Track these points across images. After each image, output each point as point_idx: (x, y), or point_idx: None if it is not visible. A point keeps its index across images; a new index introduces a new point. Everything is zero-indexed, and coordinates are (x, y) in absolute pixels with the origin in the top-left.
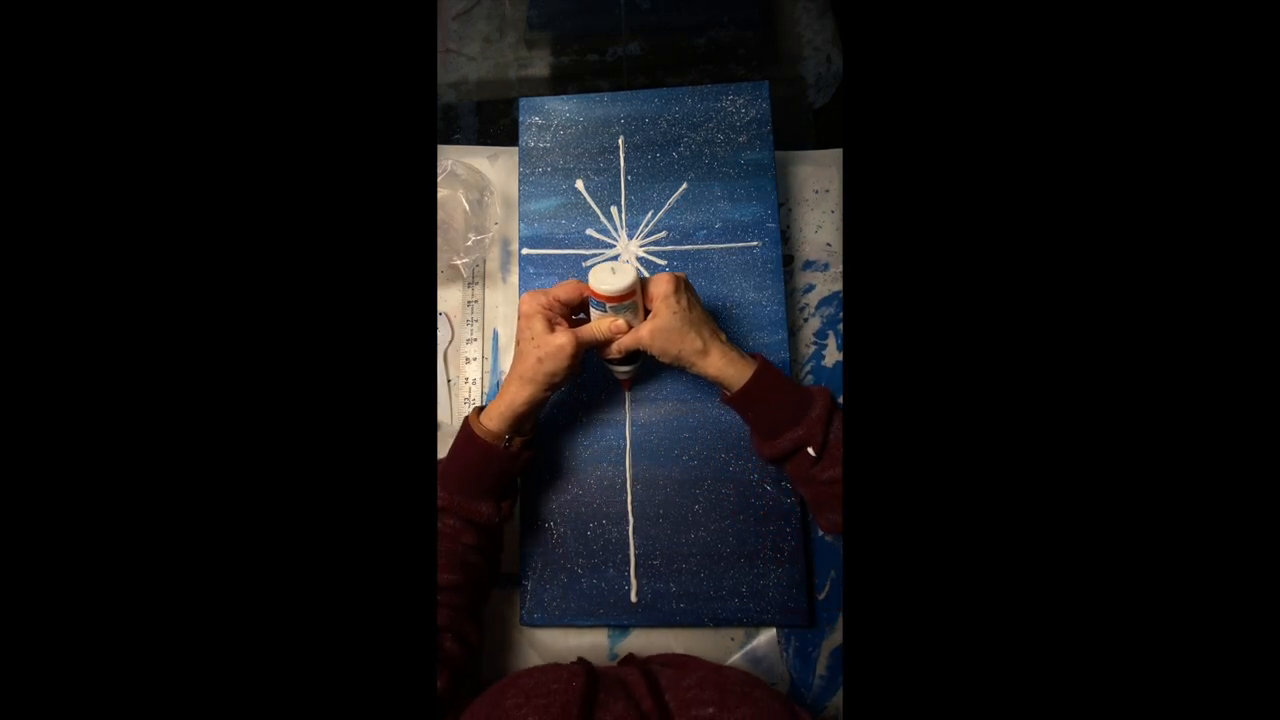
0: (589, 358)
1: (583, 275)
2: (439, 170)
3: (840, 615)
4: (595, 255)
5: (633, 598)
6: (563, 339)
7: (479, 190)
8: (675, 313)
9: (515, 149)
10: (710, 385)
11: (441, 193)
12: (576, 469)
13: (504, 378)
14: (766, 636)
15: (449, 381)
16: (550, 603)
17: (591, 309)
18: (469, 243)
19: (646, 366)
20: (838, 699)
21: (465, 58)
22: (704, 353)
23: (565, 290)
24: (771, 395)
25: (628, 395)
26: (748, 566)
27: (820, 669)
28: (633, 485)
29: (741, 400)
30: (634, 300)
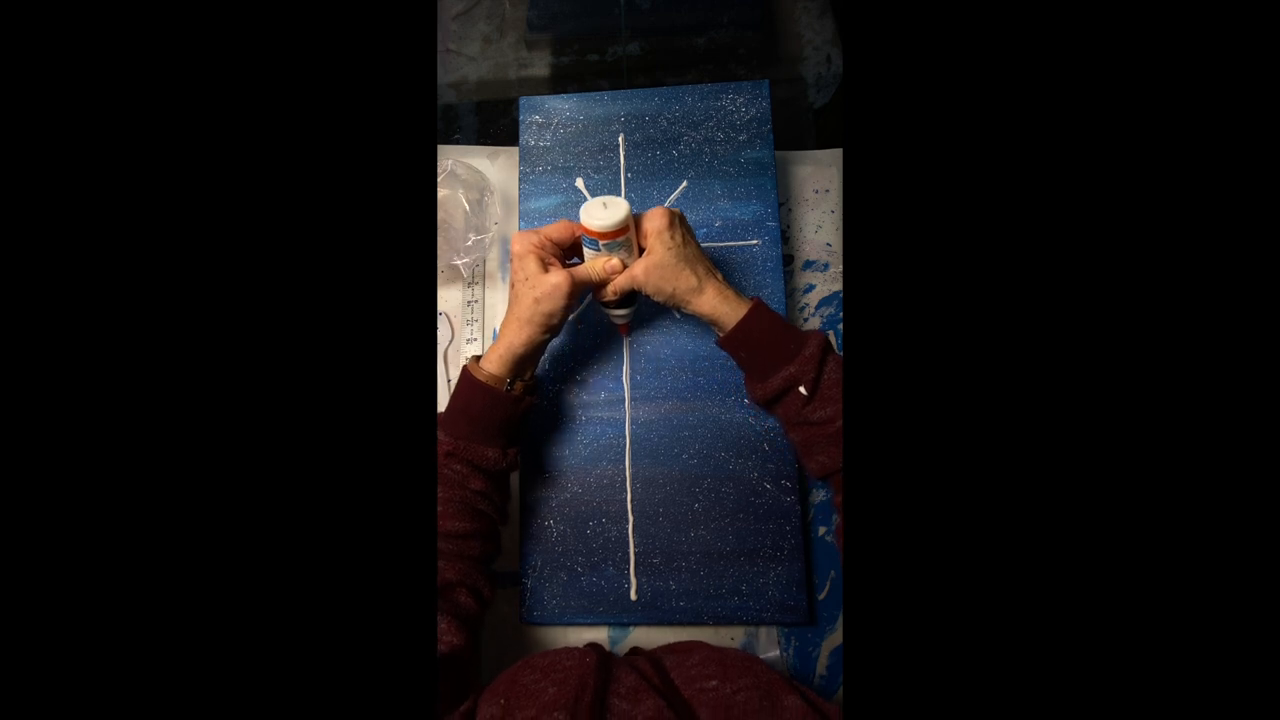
0: (591, 331)
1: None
2: (439, 170)
3: (840, 615)
4: (595, 255)
5: (632, 596)
6: (558, 278)
7: (479, 190)
8: (670, 249)
9: (515, 149)
10: (710, 384)
11: (441, 193)
12: (576, 467)
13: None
14: (766, 636)
15: (449, 382)
16: (550, 601)
17: (585, 249)
18: (469, 243)
19: (646, 358)
20: (838, 699)
21: (465, 58)
22: (699, 290)
23: (557, 229)
24: (765, 334)
25: (628, 394)
26: (747, 565)
27: (820, 669)
28: (632, 483)
29: (735, 338)
30: (628, 236)
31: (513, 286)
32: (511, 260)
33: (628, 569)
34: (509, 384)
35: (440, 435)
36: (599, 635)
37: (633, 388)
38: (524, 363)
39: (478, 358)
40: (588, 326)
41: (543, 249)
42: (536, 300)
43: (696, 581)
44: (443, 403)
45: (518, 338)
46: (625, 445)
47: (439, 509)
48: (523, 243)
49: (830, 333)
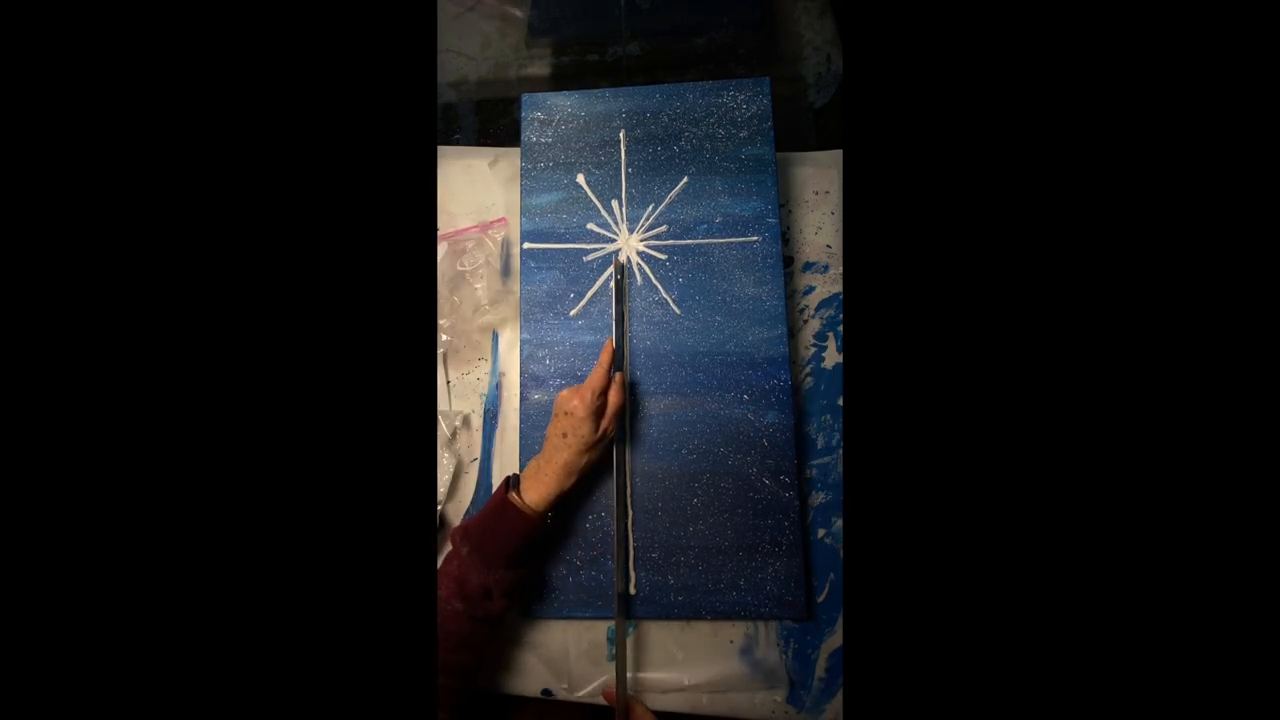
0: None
1: (584, 270)
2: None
3: (839, 617)
4: (596, 250)
5: (631, 590)
6: (604, 431)
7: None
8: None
9: (515, 150)
10: (709, 380)
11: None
12: None
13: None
14: (765, 638)
15: (449, 383)
16: (548, 595)
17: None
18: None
19: (646, 354)
20: (838, 700)
21: (465, 58)
22: None
23: (601, 379)
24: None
25: (627, 390)
26: (746, 560)
27: (820, 670)
28: (632, 478)
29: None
30: None
31: (563, 436)
32: (563, 417)
33: (627, 563)
34: (547, 515)
35: (475, 561)
36: (597, 634)
37: (632, 383)
38: (565, 495)
39: (516, 479)
40: (587, 322)
41: (596, 406)
42: (584, 451)
43: (695, 576)
44: (443, 407)
45: (568, 482)
46: (625, 439)
47: (449, 641)
48: (585, 406)
49: (830, 334)
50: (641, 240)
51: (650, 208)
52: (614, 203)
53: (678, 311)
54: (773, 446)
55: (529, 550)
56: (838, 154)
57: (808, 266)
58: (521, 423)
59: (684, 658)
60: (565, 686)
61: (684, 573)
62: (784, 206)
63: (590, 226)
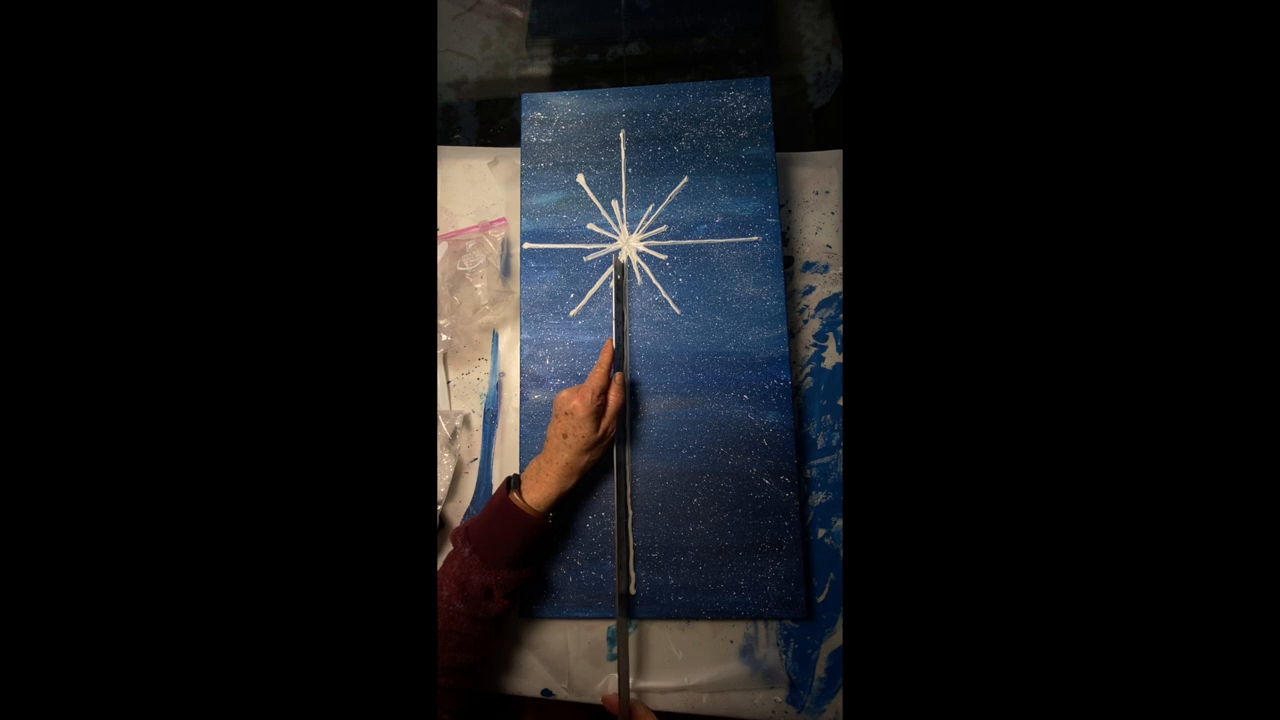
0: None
1: (584, 270)
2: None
3: (839, 617)
4: (596, 249)
5: (631, 590)
6: (605, 430)
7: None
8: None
9: (515, 150)
10: (709, 379)
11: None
12: None
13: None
14: (765, 638)
15: (449, 383)
16: (548, 595)
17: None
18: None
19: (646, 353)
20: (838, 700)
21: (465, 58)
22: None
23: (601, 380)
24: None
25: (627, 389)
26: (746, 560)
27: (820, 671)
28: (632, 478)
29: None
30: None
31: (563, 436)
32: (564, 417)
33: (627, 563)
34: (548, 515)
35: (475, 561)
36: (598, 634)
37: (632, 383)
38: (565, 496)
39: (517, 480)
40: (587, 322)
41: (596, 406)
42: (584, 452)
43: (695, 576)
44: (443, 407)
45: (569, 482)
46: (625, 439)
47: (451, 641)
48: (585, 406)
49: (830, 334)
50: (641, 240)
51: (650, 208)
52: (614, 203)
53: (678, 311)
54: (773, 446)
55: (531, 550)
56: (838, 154)
57: (808, 266)
58: (521, 423)
59: (684, 658)
60: (565, 686)
61: (684, 572)
62: (784, 207)
63: (590, 226)
